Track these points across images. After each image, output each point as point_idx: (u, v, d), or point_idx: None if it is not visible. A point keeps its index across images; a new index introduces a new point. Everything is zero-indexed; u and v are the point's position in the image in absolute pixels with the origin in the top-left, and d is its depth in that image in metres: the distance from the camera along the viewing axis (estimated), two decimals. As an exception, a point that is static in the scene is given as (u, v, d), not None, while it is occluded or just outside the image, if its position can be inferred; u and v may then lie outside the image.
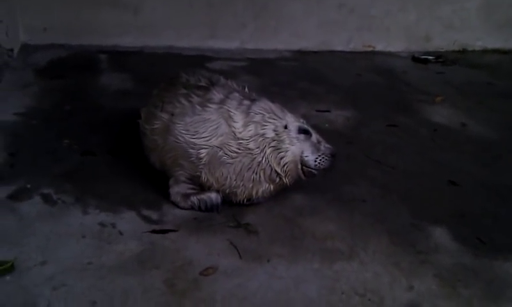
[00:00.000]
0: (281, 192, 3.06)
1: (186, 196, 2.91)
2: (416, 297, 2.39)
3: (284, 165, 2.85)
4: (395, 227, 2.93)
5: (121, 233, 2.64)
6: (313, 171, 2.86)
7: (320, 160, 2.84)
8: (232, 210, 2.93)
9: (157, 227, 2.72)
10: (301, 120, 2.98)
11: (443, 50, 6.60)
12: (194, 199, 2.89)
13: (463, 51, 6.71)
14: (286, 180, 2.91)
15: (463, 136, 4.23)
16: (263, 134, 2.84)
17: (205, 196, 2.89)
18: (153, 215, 2.83)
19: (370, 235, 2.83)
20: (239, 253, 2.57)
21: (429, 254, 2.70)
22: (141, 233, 2.66)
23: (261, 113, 2.89)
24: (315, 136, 2.93)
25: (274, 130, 2.85)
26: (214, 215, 2.87)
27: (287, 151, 2.84)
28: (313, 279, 2.44)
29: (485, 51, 6.74)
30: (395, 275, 2.51)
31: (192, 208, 2.90)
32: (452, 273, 2.56)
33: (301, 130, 2.90)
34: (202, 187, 2.96)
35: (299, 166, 2.87)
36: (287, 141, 2.85)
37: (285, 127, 2.88)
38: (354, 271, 2.52)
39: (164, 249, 2.54)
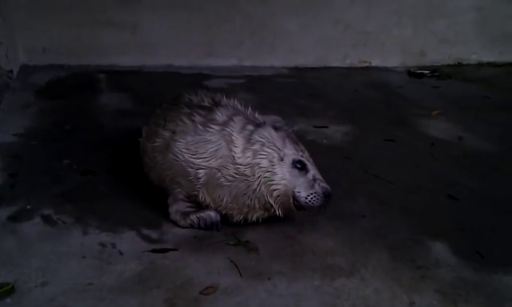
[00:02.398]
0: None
1: (185, 214, 2.92)
2: (417, 312, 2.40)
3: (276, 197, 2.83)
4: (395, 242, 2.93)
5: (121, 253, 2.64)
6: (304, 207, 2.83)
7: (311, 198, 2.78)
8: (231, 227, 2.93)
9: (157, 246, 2.72)
10: (301, 153, 2.90)
11: (438, 65, 6.66)
12: (193, 217, 2.89)
13: (458, 65, 6.78)
14: (278, 212, 2.88)
15: (460, 149, 4.25)
16: (258, 164, 2.82)
17: (204, 214, 2.89)
18: (153, 234, 2.83)
19: (370, 251, 2.83)
20: (239, 271, 2.57)
21: (430, 269, 2.70)
22: (141, 252, 2.66)
23: (261, 141, 2.86)
24: (312, 173, 2.85)
25: (270, 161, 2.82)
26: (213, 233, 2.87)
27: (278, 184, 2.81)
28: (314, 297, 2.44)
29: (480, 64, 6.81)
30: (396, 291, 2.52)
31: (191, 226, 2.90)
32: (453, 288, 2.56)
33: (297, 164, 2.84)
34: (200, 206, 2.97)
35: (291, 200, 2.83)
36: (279, 174, 2.81)
37: (281, 159, 2.85)
38: (355, 288, 2.52)
39: (164, 268, 2.54)
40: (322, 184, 2.83)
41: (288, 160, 2.84)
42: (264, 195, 2.83)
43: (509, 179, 3.75)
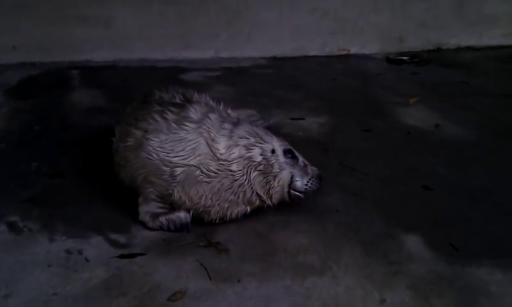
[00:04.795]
0: (255, 209, 3.01)
1: (155, 216, 2.86)
2: (388, 310, 2.37)
3: (270, 189, 2.88)
4: (369, 236, 2.90)
5: (87, 260, 2.58)
6: (300, 194, 2.92)
7: (310, 183, 2.92)
8: (202, 228, 2.88)
9: (124, 251, 2.66)
10: (286, 143, 3.02)
11: (417, 50, 6.63)
12: (162, 219, 2.84)
13: (438, 50, 6.75)
14: (269, 202, 2.93)
15: (436, 138, 4.22)
16: (250, 157, 2.85)
17: (173, 216, 2.84)
18: (121, 239, 2.77)
19: (343, 247, 2.80)
20: (208, 274, 2.52)
21: (402, 264, 2.67)
22: (108, 258, 2.60)
23: (246, 137, 2.90)
24: (301, 159, 3.00)
25: (262, 155, 2.87)
26: (184, 235, 2.82)
27: (276, 176, 2.88)
28: (284, 298, 2.40)
29: (459, 49, 6.79)
30: (368, 288, 2.48)
31: (161, 228, 2.84)
32: (425, 283, 2.54)
33: (288, 154, 2.94)
34: (173, 206, 2.91)
35: (286, 190, 2.92)
36: (276, 166, 2.88)
37: (273, 151, 2.90)
38: (326, 286, 2.48)
39: (131, 275, 2.49)
40: (312, 167, 3.00)
41: (279, 151, 2.91)
42: (252, 188, 2.86)
43: (484, 168, 3.72)
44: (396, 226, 2.99)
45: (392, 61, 6.34)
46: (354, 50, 6.59)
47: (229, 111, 3.19)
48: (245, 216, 2.96)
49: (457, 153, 3.95)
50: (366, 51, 6.58)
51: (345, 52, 6.56)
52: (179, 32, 6.05)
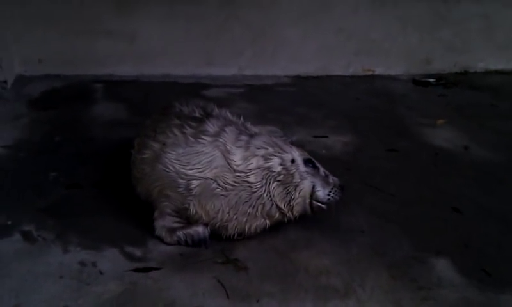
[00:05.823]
0: (275, 224, 2.90)
1: (172, 231, 2.77)
2: (417, 338, 2.23)
3: (291, 200, 2.77)
4: (395, 260, 2.76)
5: (101, 273, 2.49)
6: (322, 205, 2.80)
7: (333, 193, 2.81)
8: (220, 244, 2.78)
9: (140, 265, 2.57)
10: (305, 153, 2.92)
11: (444, 73, 6.47)
12: (180, 233, 2.74)
13: (465, 73, 6.59)
14: (290, 215, 2.82)
15: (465, 160, 4.07)
16: (269, 168, 2.75)
17: (191, 230, 2.74)
18: (137, 252, 2.68)
19: (368, 270, 2.66)
20: (226, 292, 2.40)
21: (432, 290, 2.53)
22: (123, 271, 2.51)
23: (264, 147, 2.80)
24: (322, 169, 2.89)
25: (281, 164, 2.77)
26: (201, 251, 2.72)
27: (296, 186, 2.77)
28: (305, 320, 2.27)
29: (487, 72, 6.61)
30: (395, 314, 2.34)
31: (178, 243, 2.75)
32: (456, 310, 2.39)
33: (309, 163, 2.83)
34: (189, 221, 2.82)
35: (307, 201, 2.80)
36: (297, 176, 2.78)
37: (292, 161, 2.80)
38: (350, 310, 2.35)
39: (146, 290, 2.39)
40: (333, 177, 2.88)
41: (299, 161, 2.80)
42: (272, 200, 2.75)
43: (516, 191, 3.56)
44: (424, 250, 2.85)
45: (418, 82, 6.20)
46: (379, 70, 6.47)
47: (248, 125, 3.10)
48: (265, 232, 2.85)
49: (487, 176, 3.79)
50: (391, 72, 6.45)
51: (370, 73, 6.45)
52: (203, 49, 6.02)
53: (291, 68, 6.28)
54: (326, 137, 4.39)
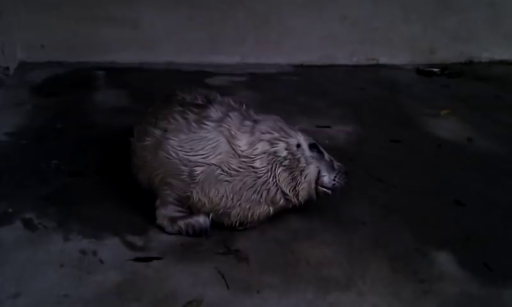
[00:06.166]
0: (276, 214, 2.89)
1: (173, 220, 2.76)
2: (417, 331, 2.22)
3: (296, 185, 2.75)
4: (397, 252, 2.75)
5: (102, 262, 2.49)
6: (328, 191, 2.79)
7: (338, 178, 2.80)
8: (222, 234, 2.77)
9: (141, 254, 2.56)
10: (310, 138, 2.90)
11: (448, 62, 6.40)
12: (181, 223, 2.73)
13: (470, 63, 6.52)
14: (295, 200, 2.80)
15: (469, 151, 4.04)
16: (274, 153, 2.73)
17: (192, 220, 2.73)
18: (138, 241, 2.67)
19: (369, 261, 2.65)
20: (226, 283, 2.40)
21: (433, 283, 2.51)
22: (124, 261, 2.50)
23: (269, 132, 2.78)
24: (326, 154, 2.88)
25: (287, 149, 2.75)
26: (202, 241, 2.71)
27: (302, 171, 2.75)
28: (306, 312, 2.26)
29: (492, 63, 6.53)
30: None
31: (179, 232, 2.74)
32: (457, 304, 2.38)
33: (314, 148, 2.83)
34: (191, 209, 2.80)
35: (313, 186, 2.79)
36: (303, 160, 2.76)
37: (298, 146, 2.78)
38: (350, 302, 2.34)
39: (146, 279, 2.38)
40: (338, 163, 2.88)
41: (305, 145, 2.79)
42: (277, 185, 2.73)
43: (520, 184, 3.53)
44: (426, 242, 2.83)
45: (422, 72, 6.15)
46: (383, 60, 6.41)
47: (251, 113, 3.08)
48: (266, 223, 2.84)
49: (491, 168, 3.76)
50: (396, 61, 6.39)
51: (374, 62, 6.39)
52: (206, 37, 5.98)
53: (295, 57, 6.22)
54: (329, 127, 4.36)
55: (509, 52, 6.61)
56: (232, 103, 3.11)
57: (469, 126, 4.53)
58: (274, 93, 5.18)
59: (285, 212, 2.92)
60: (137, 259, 2.52)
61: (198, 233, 2.73)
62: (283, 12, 6.05)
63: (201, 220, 2.74)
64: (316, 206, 3.00)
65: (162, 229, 2.76)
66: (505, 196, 3.38)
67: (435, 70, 6.18)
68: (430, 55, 6.45)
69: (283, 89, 5.38)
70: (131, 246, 2.64)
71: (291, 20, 6.09)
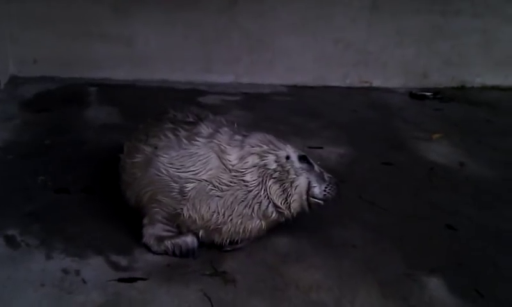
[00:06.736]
0: (266, 235, 2.85)
1: (160, 239, 2.70)
2: None
3: (288, 197, 2.72)
4: (387, 277, 2.70)
5: (84, 281, 2.42)
6: (319, 201, 2.76)
7: (329, 189, 2.77)
8: (209, 254, 2.71)
9: (124, 275, 2.50)
10: (299, 150, 2.88)
11: (441, 87, 6.45)
12: (168, 243, 2.67)
13: (462, 88, 6.56)
14: (287, 213, 2.77)
15: (461, 176, 4.02)
16: (264, 165, 2.71)
17: (180, 241, 2.68)
18: (123, 261, 2.61)
19: (359, 286, 2.59)
20: (212, 306, 2.33)
21: (423, 309, 2.46)
22: (107, 281, 2.44)
23: (259, 145, 2.77)
24: (316, 166, 2.85)
25: (276, 161, 2.73)
26: (189, 261, 2.65)
27: (292, 182, 2.73)
28: (293, 337, 2.20)
29: (484, 88, 6.59)
30: (385, 333, 2.28)
31: (166, 253, 2.68)
32: (448, 331, 2.32)
33: (303, 160, 2.79)
34: (180, 228, 2.75)
35: (304, 197, 2.76)
36: (293, 172, 2.74)
37: (287, 158, 2.76)
38: (339, 328, 2.28)
39: (129, 301, 2.32)
40: (328, 174, 2.85)
41: (294, 157, 2.77)
42: (269, 198, 2.71)
43: (511, 209, 3.50)
44: (417, 267, 2.79)
45: (415, 96, 6.17)
46: (376, 83, 6.44)
47: (242, 130, 3.05)
48: (255, 244, 2.80)
49: (483, 192, 3.74)
50: (388, 85, 6.42)
51: (367, 85, 6.41)
52: (200, 56, 5.98)
53: (288, 77, 6.24)
54: (321, 148, 4.34)
55: (500, 78, 6.68)
56: (224, 121, 3.09)
57: (461, 150, 4.52)
58: (266, 112, 5.17)
59: (274, 233, 2.87)
60: (121, 280, 2.46)
61: (185, 253, 2.67)
62: (277, 33, 6.07)
63: (189, 240, 2.68)
64: (306, 229, 2.96)
65: (148, 248, 2.70)
66: (497, 220, 3.35)
67: (428, 93, 6.21)
68: (423, 79, 6.49)
69: (276, 109, 5.37)
70: (115, 266, 2.57)
71: (285, 41, 6.11)
